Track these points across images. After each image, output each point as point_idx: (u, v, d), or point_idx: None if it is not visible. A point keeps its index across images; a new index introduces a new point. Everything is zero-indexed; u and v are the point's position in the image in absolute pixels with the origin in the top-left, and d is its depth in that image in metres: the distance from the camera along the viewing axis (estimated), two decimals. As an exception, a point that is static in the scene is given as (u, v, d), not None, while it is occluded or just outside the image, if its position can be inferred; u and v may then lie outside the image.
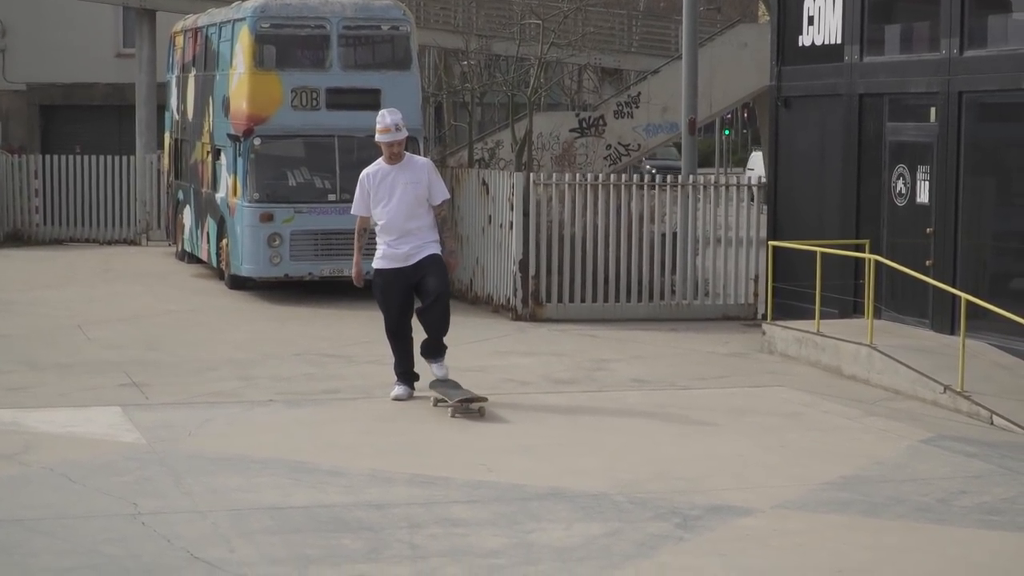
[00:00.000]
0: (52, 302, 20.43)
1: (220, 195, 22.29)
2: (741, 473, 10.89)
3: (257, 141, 20.96)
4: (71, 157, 29.50)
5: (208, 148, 23.27)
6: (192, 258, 24.94)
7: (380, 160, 13.39)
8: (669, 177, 20.48)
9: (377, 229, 13.38)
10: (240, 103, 21.34)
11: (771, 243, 18.52)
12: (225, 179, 21.98)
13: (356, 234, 13.58)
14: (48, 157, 29.58)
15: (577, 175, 20.52)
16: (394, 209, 13.19)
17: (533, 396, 14.00)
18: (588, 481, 10.48)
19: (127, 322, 18.65)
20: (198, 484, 10.20)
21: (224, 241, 22.10)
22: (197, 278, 23.55)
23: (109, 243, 29.14)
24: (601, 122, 34.78)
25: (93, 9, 39.59)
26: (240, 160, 21.13)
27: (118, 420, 12.43)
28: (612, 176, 20.73)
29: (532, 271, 19.50)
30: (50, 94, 39.71)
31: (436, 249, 13.32)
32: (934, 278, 16.01)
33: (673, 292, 20.05)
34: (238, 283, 21.81)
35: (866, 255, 16.45)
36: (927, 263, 16.54)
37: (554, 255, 19.58)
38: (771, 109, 19.96)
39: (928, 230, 16.70)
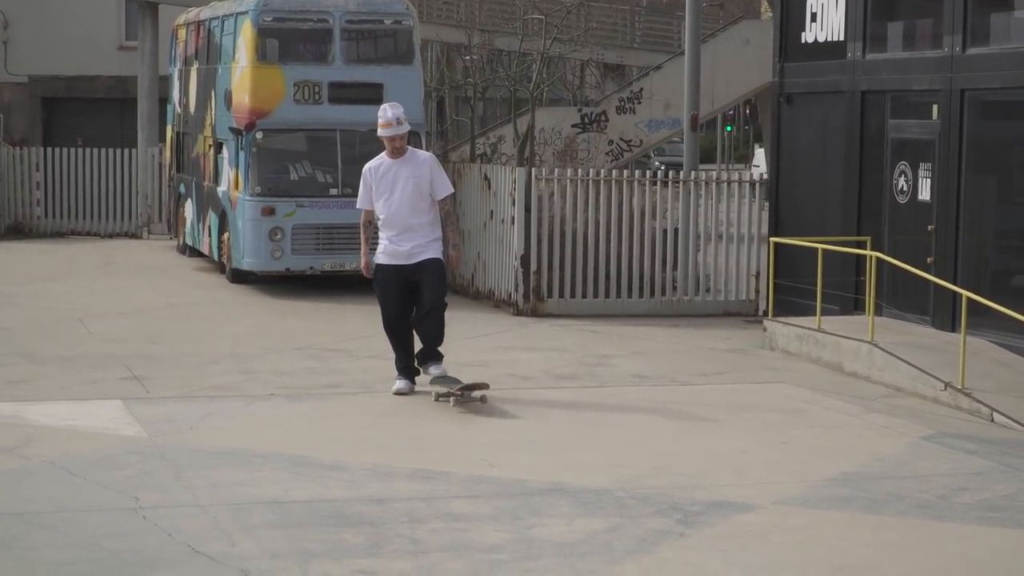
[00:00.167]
0: (53, 295, 20.43)
1: (222, 189, 22.29)
2: (742, 469, 10.89)
3: (259, 135, 20.96)
4: (73, 150, 29.51)
5: (210, 141, 23.27)
6: (193, 252, 24.94)
7: (383, 154, 13.39)
8: (671, 173, 20.49)
9: (379, 224, 13.38)
10: (242, 97, 21.33)
11: (773, 239, 18.52)
12: (227, 173, 21.98)
13: (362, 226, 13.65)
14: (50, 150, 29.59)
15: (579, 170, 20.52)
16: (395, 203, 13.18)
17: (534, 391, 14.00)
18: (589, 476, 10.49)
19: (128, 315, 18.65)
20: (199, 478, 10.21)
21: (225, 235, 22.10)
22: (198, 272, 23.55)
23: (110, 236, 29.14)
24: (603, 118, 34.77)
25: (96, 1, 39.58)
26: (242, 154, 21.12)
27: (119, 414, 12.43)
28: (614, 172, 20.73)
29: (533, 266, 19.50)
30: (52, 86, 39.67)
31: (438, 252, 13.30)
32: (935, 275, 16.01)
33: (674, 288, 20.05)
34: (239, 277, 21.81)
35: (867, 252, 16.45)
36: (928, 260, 16.54)
37: (555, 250, 19.58)
38: (773, 106, 19.96)
39: (929, 227, 16.70)
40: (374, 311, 14.11)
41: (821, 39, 18.69)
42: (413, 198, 13.17)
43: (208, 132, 23.43)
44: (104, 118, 39.36)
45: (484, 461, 10.92)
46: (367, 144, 18.86)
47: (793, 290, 17.95)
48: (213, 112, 23.08)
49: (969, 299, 14.27)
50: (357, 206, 13.62)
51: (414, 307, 13.36)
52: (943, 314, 16.31)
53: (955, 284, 15.62)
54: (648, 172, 20.68)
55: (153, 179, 29.04)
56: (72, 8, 39.27)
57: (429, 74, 38.11)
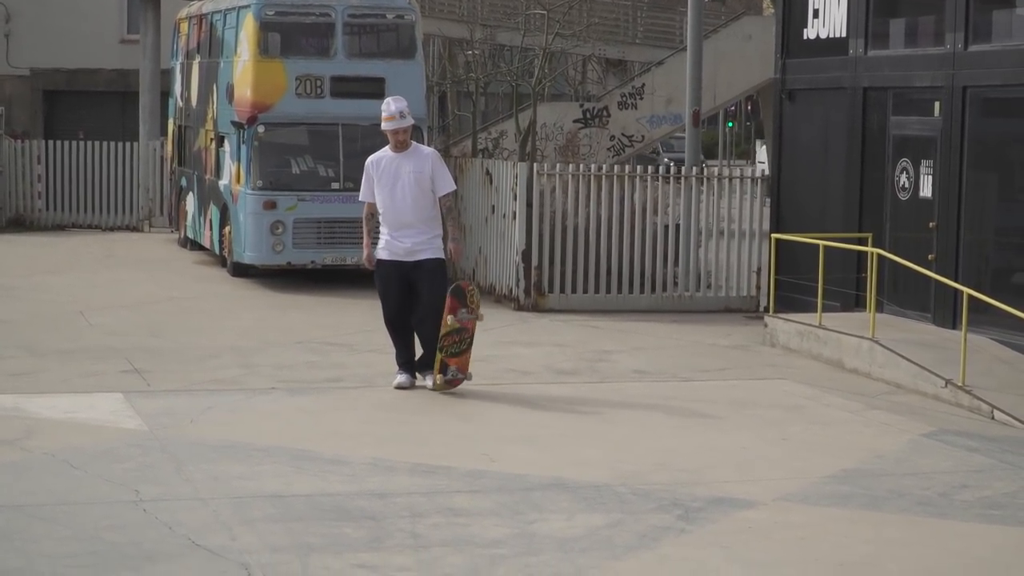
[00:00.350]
0: (54, 288, 20.42)
1: (223, 182, 22.29)
2: (743, 465, 10.89)
3: (261, 129, 20.96)
4: (74, 143, 29.48)
5: (212, 135, 23.27)
6: (195, 245, 24.94)
7: (386, 148, 13.38)
8: (672, 168, 20.50)
9: (380, 218, 13.37)
10: (244, 90, 21.33)
11: (774, 236, 18.50)
12: (228, 166, 21.98)
13: (364, 219, 13.65)
14: (51, 143, 29.56)
15: (581, 166, 20.51)
16: (397, 198, 13.17)
17: (535, 386, 14.00)
18: (590, 472, 10.49)
19: (129, 308, 18.65)
20: (200, 471, 10.20)
21: (227, 228, 22.10)
22: (199, 265, 23.55)
23: (112, 229, 29.13)
24: (605, 113, 34.76)
25: (98, -5, 39.59)
26: (244, 147, 21.13)
27: (120, 407, 12.42)
28: (616, 167, 20.73)
29: (535, 261, 19.50)
30: (54, 79, 39.64)
31: (438, 251, 13.27)
32: (936, 272, 16.01)
33: (675, 284, 20.05)
34: (240, 270, 21.81)
35: (869, 249, 16.45)
36: (929, 257, 16.54)
37: (557, 245, 19.59)
38: (775, 102, 19.97)
39: (931, 224, 16.70)
40: (375, 305, 14.12)
41: (823, 35, 18.69)
42: (414, 193, 13.15)
43: (210, 126, 23.43)
44: (106, 111, 39.33)
45: (485, 456, 10.93)
46: (369, 138, 18.87)
47: (794, 286, 17.95)
48: (215, 106, 23.08)
49: (970, 296, 14.27)
50: (359, 199, 13.62)
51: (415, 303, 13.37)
52: (944, 311, 16.31)
53: (956, 281, 15.62)
54: (652, 168, 20.67)
55: (154, 172, 29.03)
56: (74, 1, 39.25)
57: (431, 69, 38.08)
